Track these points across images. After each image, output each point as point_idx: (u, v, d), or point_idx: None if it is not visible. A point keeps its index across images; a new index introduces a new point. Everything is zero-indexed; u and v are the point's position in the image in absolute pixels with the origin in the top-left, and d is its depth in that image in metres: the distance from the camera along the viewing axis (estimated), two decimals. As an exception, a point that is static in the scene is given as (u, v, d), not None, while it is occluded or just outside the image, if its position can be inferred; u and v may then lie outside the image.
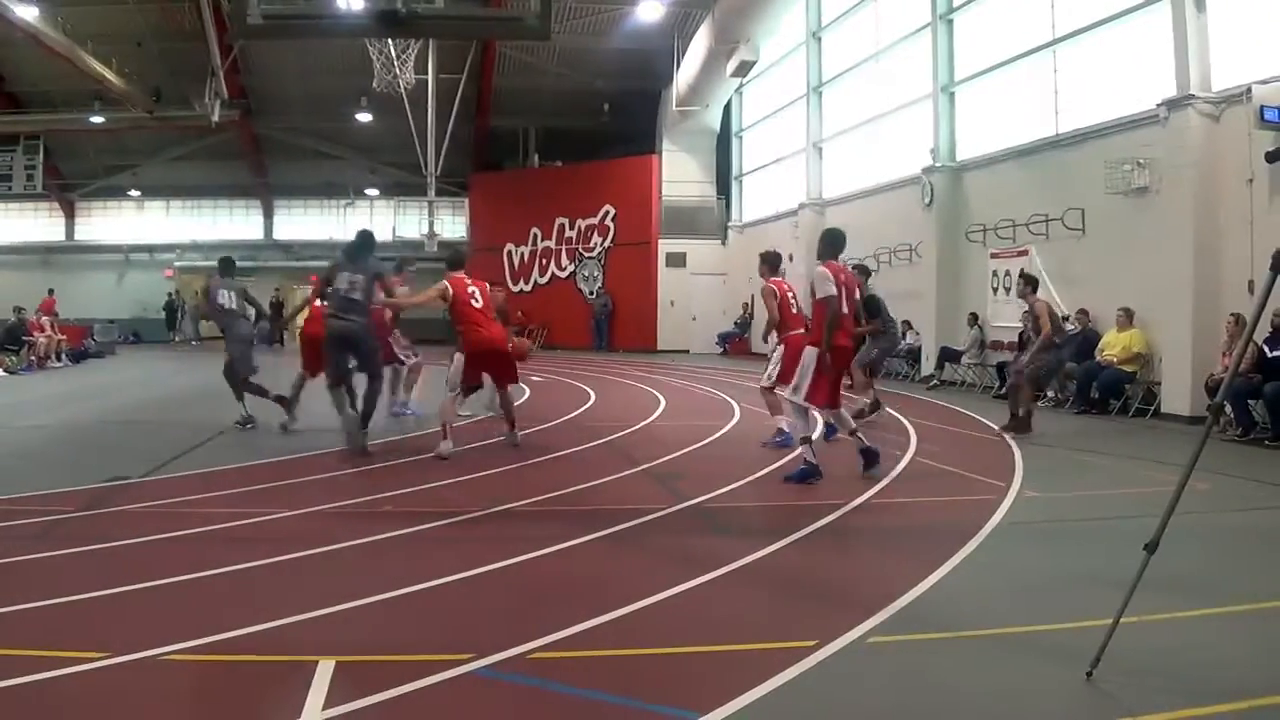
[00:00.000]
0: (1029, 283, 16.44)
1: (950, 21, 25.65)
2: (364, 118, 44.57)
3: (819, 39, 34.03)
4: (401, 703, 4.85)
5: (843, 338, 11.38)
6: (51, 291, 40.36)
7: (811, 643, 5.58)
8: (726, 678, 5.13)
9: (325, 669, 5.16)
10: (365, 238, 13.35)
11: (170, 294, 48.38)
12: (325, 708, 4.73)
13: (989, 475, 11.33)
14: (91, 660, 5.27)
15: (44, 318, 32.82)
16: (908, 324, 25.82)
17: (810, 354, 11.12)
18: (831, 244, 11.67)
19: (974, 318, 23.59)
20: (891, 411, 16.91)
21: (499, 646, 5.52)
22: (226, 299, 15.07)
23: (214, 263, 16.02)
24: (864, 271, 18.30)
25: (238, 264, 16.02)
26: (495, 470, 11.73)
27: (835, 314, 10.99)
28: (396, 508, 9.56)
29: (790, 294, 13.65)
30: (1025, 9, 22.76)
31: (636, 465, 12.11)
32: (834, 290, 11.03)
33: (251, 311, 15.75)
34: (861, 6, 30.87)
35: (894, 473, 11.65)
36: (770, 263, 14.12)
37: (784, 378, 12.65)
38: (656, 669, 5.40)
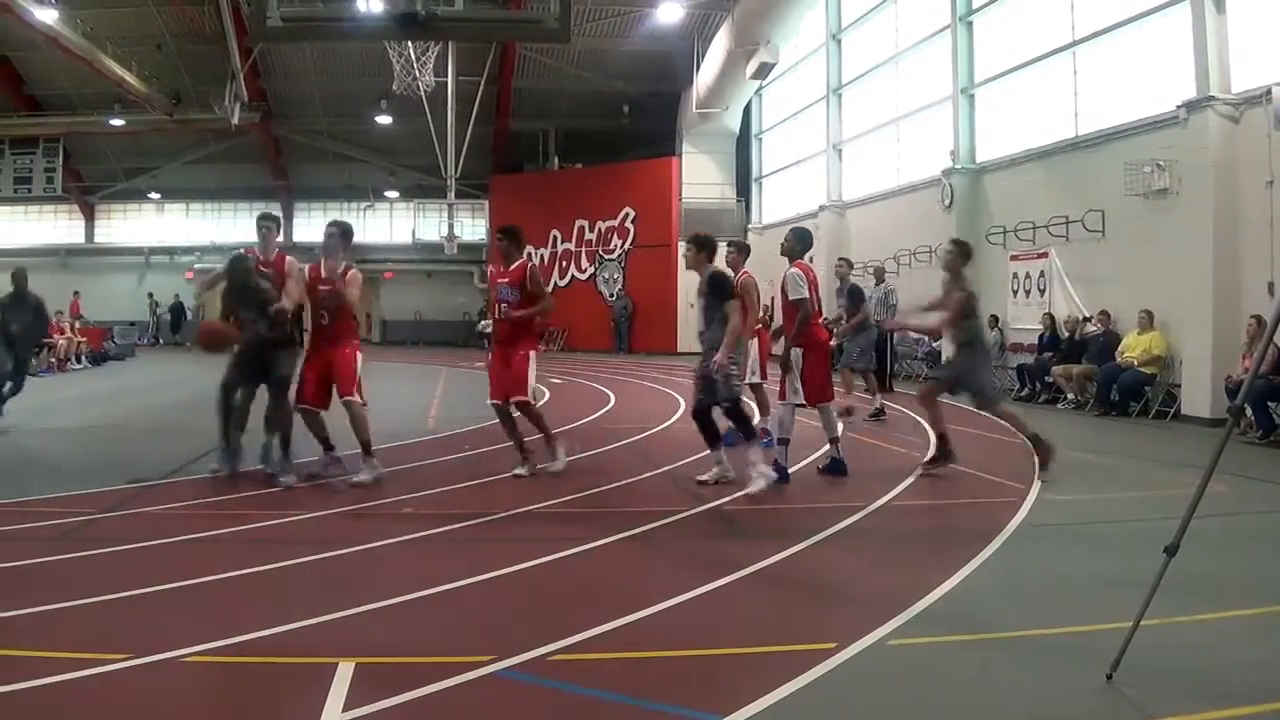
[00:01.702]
0: (963, 253, 12.56)
1: (970, 23, 25.63)
2: (384, 120, 44.81)
3: (839, 41, 34.06)
4: (421, 704, 4.88)
5: (820, 333, 11.77)
6: (77, 294, 40.46)
7: (832, 644, 5.62)
8: (748, 679, 5.16)
9: (345, 670, 5.21)
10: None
11: (176, 295, 48.35)
12: (345, 709, 4.76)
13: (1009, 477, 11.33)
14: (113, 662, 5.32)
15: (65, 320, 32.93)
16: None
17: (797, 355, 11.33)
18: (803, 242, 11.85)
19: (994, 320, 23.53)
20: (910, 414, 16.87)
21: (519, 648, 5.55)
22: None
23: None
24: (879, 275, 18.33)
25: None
26: (512, 473, 11.69)
27: (809, 314, 11.25)
28: (417, 510, 9.60)
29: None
30: (1045, 11, 22.73)
31: (657, 467, 12.17)
32: (806, 293, 11.27)
33: None
34: (881, 8, 30.90)
35: (914, 475, 11.64)
36: (746, 251, 14.20)
37: (765, 373, 13.91)
38: (677, 671, 5.44)
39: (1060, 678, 5.30)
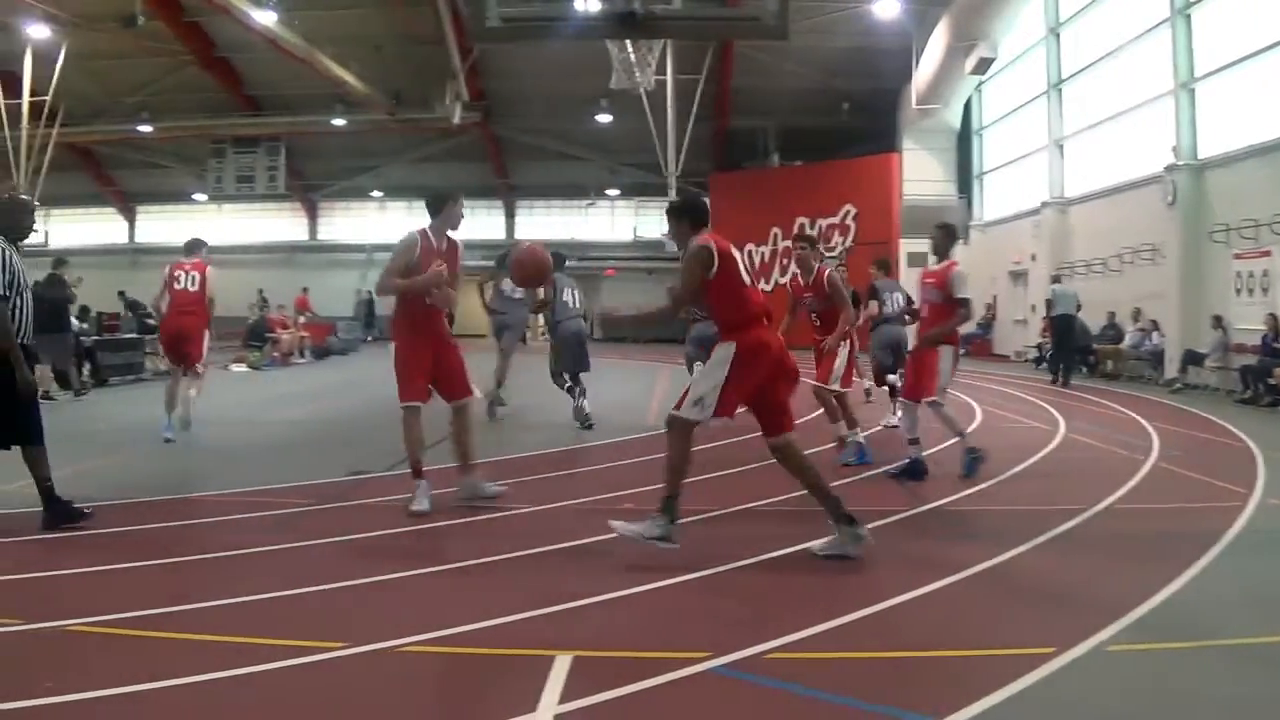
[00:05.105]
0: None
1: (1188, 16, 25.15)
2: (604, 119, 45.69)
3: (1057, 35, 33.84)
4: (638, 699, 5.05)
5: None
6: (305, 290, 41.61)
7: (1050, 649, 5.67)
8: (963, 682, 5.29)
9: (563, 663, 5.41)
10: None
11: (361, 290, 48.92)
12: (561, 701, 4.95)
13: (1231, 481, 11.27)
14: (329, 650, 5.63)
15: (289, 314, 34.19)
16: (1154, 323, 25.40)
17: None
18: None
19: (1217, 320, 22.98)
20: (1134, 415, 16.61)
21: (737, 645, 5.70)
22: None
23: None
24: (1055, 277, 18.15)
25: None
26: (735, 469, 11.83)
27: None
28: (637, 505, 9.53)
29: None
30: (1264, 1, 22.03)
31: (877, 466, 12.13)
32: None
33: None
34: (1099, 1, 30.24)
35: (1136, 478, 11.63)
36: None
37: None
38: (892, 672, 5.61)
39: (1282, 688, 5.31)
